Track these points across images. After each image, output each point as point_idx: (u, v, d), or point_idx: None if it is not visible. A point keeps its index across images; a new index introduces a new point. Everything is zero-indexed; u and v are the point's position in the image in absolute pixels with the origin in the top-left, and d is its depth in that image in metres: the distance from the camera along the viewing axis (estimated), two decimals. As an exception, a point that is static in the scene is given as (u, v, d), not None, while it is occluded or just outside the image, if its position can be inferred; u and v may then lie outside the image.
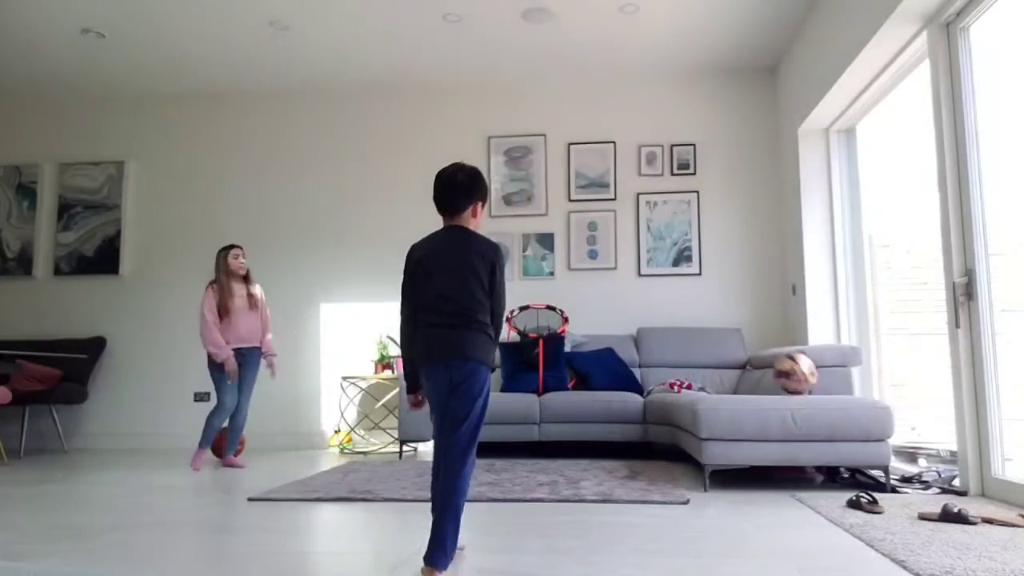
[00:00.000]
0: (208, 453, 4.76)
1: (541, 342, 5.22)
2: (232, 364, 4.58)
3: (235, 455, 4.83)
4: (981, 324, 3.33)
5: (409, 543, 2.51)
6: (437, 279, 2.20)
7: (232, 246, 4.81)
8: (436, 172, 2.37)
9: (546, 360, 5.19)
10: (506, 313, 5.68)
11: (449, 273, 2.20)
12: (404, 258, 2.37)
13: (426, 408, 2.29)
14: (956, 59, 3.52)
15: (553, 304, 5.72)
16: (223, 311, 4.64)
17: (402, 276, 2.29)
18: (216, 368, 4.62)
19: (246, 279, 4.81)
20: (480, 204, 2.36)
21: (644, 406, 4.81)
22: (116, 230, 6.28)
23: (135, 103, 6.47)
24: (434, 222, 2.45)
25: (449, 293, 2.18)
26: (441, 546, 2.05)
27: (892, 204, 5.01)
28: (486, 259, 2.23)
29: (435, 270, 2.21)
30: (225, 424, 4.71)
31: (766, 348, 5.46)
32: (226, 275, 4.71)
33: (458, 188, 2.33)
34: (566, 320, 5.50)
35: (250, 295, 4.78)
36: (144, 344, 6.19)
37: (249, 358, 4.75)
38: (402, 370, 2.16)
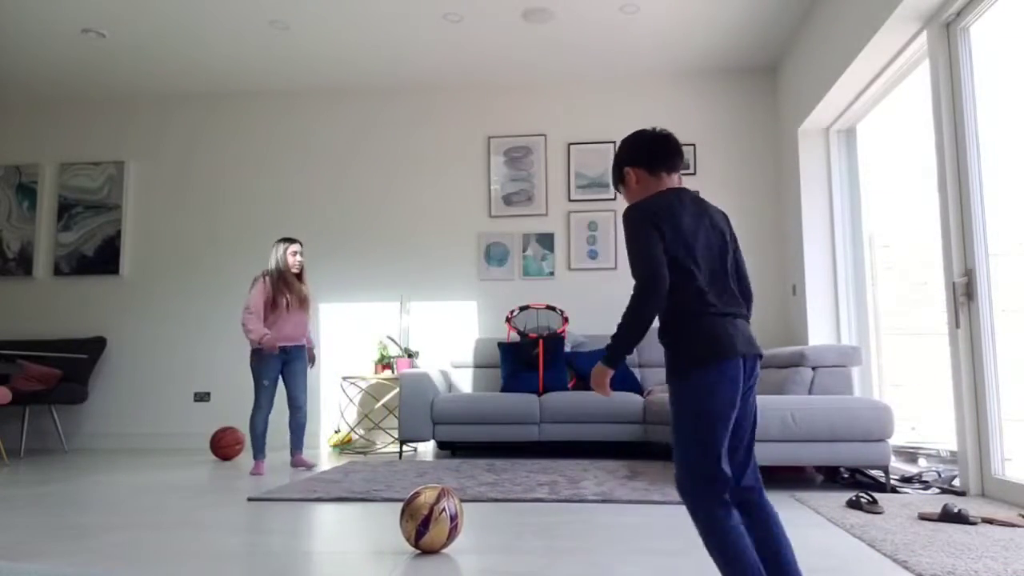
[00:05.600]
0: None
1: (541, 342, 5.22)
2: (270, 341, 4.42)
3: (236, 454, 4.85)
4: (981, 324, 3.33)
5: (408, 543, 2.51)
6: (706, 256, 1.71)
7: (292, 240, 4.65)
8: (640, 133, 1.88)
9: (546, 360, 5.19)
10: (507, 313, 5.69)
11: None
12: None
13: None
14: (956, 59, 3.52)
15: (553, 304, 5.72)
16: (274, 307, 4.51)
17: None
18: (255, 366, 4.48)
19: (299, 276, 4.65)
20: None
21: (644, 406, 4.81)
22: (116, 230, 6.28)
23: (135, 103, 6.47)
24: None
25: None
26: None
27: (892, 204, 5.02)
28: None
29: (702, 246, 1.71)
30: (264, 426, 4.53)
31: (766, 348, 5.46)
32: (282, 270, 4.57)
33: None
34: (566, 320, 5.50)
35: (302, 293, 4.63)
36: (144, 344, 6.19)
37: (296, 355, 4.61)
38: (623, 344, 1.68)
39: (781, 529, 1.65)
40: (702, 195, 1.82)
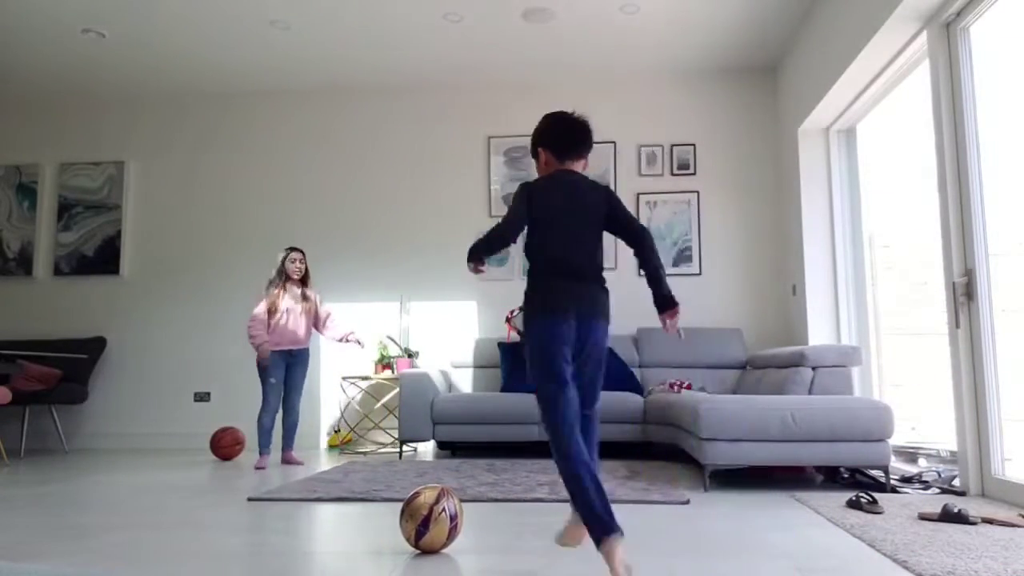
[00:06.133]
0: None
1: None
2: (263, 351, 4.74)
3: (236, 454, 4.92)
4: (981, 324, 3.33)
5: (409, 543, 2.51)
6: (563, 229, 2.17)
7: (293, 249, 4.96)
8: (549, 116, 2.32)
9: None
10: (507, 313, 5.69)
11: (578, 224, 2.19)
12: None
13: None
14: (956, 59, 3.52)
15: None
16: (272, 311, 4.82)
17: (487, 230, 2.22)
18: (262, 368, 4.80)
19: (302, 282, 4.95)
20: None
21: (644, 406, 4.81)
22: (116, 230, 6.28)
23: (135, 103, 6.47)
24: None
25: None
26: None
27: (892, 204, 5.02)
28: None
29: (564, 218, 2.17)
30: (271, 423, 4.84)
31: (766, 348, 5.46)
32: (282, 277, 4.88)
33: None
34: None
35: (304, 298, 4.93)
36: (144, 344, 6.19)
37: (299, 358, 4.91)
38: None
39: (594, 429, 2.14)
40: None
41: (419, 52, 5.64)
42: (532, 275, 2.17)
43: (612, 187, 5.96)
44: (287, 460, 4.81)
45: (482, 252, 2.18)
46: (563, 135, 2.24)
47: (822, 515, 2.94)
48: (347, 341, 5.03)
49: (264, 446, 4.75)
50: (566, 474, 2.00)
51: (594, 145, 2.33)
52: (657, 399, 4.69)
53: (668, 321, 2.19)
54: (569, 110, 2.33)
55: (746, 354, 5.47)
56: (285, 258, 4.90)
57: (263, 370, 4.79)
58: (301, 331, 4.90)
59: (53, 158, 6.46)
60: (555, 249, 2.13)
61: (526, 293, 2.17)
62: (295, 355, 4.89)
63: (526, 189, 2.19)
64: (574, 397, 2.05)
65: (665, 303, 2.18)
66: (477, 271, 2.22)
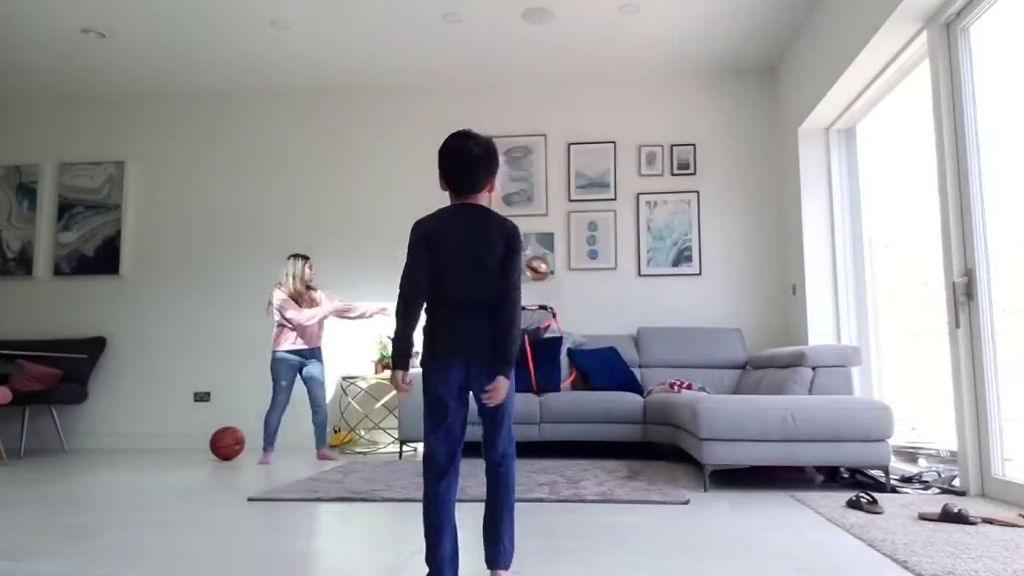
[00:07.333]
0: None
1: (527, 339, 5.22)
2: (343, 306, 5.19)
3: (236, 454, 4.97)
4: (981, 324, 3.33)
5: (409, 543, 2.52)
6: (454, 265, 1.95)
7: (306, 257, 5.20)
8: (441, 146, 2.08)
9: (536, 358, 5.19)
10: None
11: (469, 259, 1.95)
12: (402, 258, 2.31)
13: (422, 408, 2.11)
14: (956, 59, 3.52)
15: (547, 304, 5.70)
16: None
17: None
18: (275, 369, 5.00)
19: (308, 288, 5.22)
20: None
21: (644, 406, 4.81)
22: (116, 230, 6.28)
23: (135, 103, 6.46)
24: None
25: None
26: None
27: (892, 204, 5.01)
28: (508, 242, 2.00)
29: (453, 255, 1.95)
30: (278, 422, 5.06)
31: (766, 348, 5.46)
32: (302, 283, 5.11)
33: (479, 162, 2.03)
34: (554, 316, 5.49)
35: (312, 302, 5.17)
36: (144, 344, 6.18)
37: (313, 357, 5.15)
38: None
39: (497, 486, 1.97)
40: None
41: (419, 52, 5.64)
42: (428, 316, 1.97)
43: (612, 187, 5.99)
44: (322, 457, 5.04)
45: (402, 347, 1.92)
46: (454, 169, 2.04)
47: (822, 515, 2.94)
48: (373, 311, 5.21)
49: (269, 443, 4.95)
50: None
51: (498, 168, 2.09)
52: (657, 399, 4.68)
53: (489, 387, 1.89)
54: (472, 128, 2.13)
55: (746, 354, 5.47)
56: (304, 264, 5.14)
57: (276, 373, 4.99)
58: (315, 334, 5.13)
59: (53, 158, 6.45)
60: (449, 289, 1.93)
61: (424, 330, 1.97)
62: (308, 357, 5.11)
63: (421, 232, 1.97)
64: (455, 442, 1.94)
65: (494, 364, 1.91)
66: (403, 389, 1.93)
